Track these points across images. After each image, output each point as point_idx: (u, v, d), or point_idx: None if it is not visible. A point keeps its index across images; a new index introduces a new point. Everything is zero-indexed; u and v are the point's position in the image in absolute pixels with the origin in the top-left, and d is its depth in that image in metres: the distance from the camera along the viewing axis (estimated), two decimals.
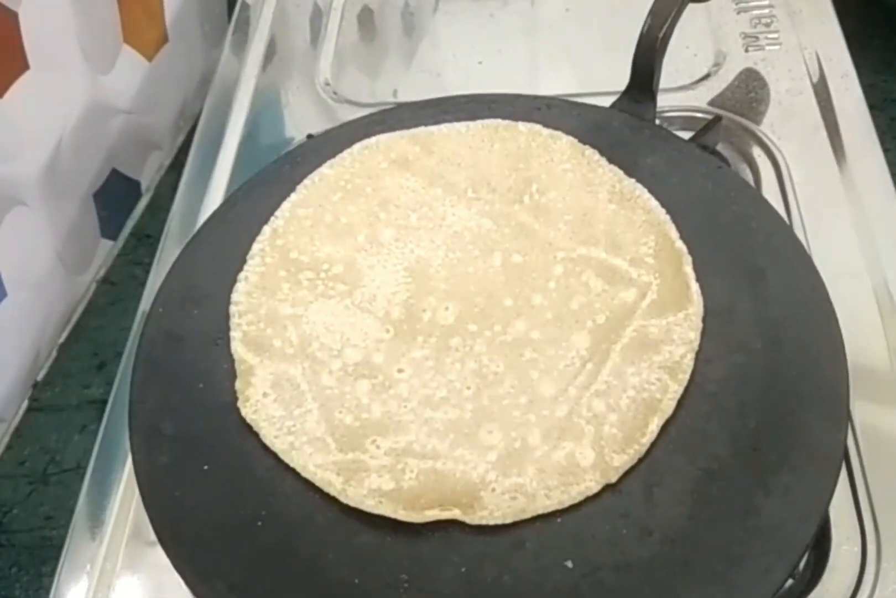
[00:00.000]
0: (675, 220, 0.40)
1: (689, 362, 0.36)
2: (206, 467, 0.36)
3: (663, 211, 0.41)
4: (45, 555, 0.47)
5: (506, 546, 0.33)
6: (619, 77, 0.45)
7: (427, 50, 0.61)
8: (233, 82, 0.60)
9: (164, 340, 0.40)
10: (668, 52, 0.44)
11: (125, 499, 0.42)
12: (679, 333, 0.37)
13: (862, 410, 0.39)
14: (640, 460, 0.34)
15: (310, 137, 0.52)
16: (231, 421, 0.37)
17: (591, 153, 0.43)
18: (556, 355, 0.37)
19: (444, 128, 0.45)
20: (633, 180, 0.42)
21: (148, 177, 0.64)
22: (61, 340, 0.57)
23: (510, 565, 0.33)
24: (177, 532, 0.34)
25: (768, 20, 0.57)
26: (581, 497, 0.34)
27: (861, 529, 0.37)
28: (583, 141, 0.44)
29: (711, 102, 0.53)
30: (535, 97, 0.47)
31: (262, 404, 0.37)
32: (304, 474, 0.35)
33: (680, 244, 0.39)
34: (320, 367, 0.38)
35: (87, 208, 0.58)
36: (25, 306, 0.53)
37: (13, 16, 0.49)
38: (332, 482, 0.35)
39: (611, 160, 0.43)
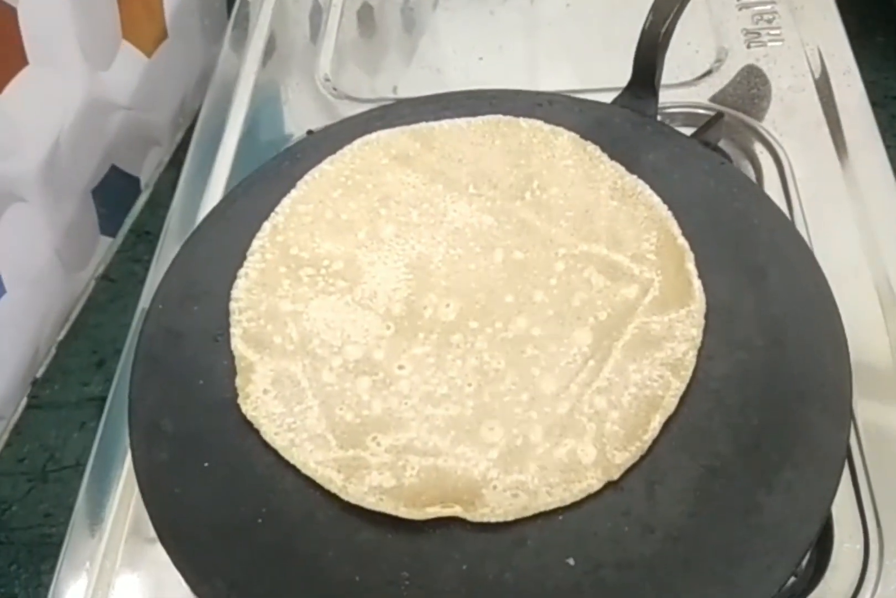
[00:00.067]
0: (677, 216, 0.40)
1: (691, 359, 0.36)
2: (206, 465, 0.36)
3: (665, 207, 0.40)
4: (44, 552, 0.47)
5: (507, 544, 0.33)
6: (620, 73, 0.45)
7: (427, 46, 0.61)
8: (232, 79, 0.60)
9: (163, 336, 0.39)
10: (670, 48, 0.44)
11: (125, 496, 0.42)
12: (681, 329, 0.37)
13: (864, 407, 0.39)
14: (642, 458, 0.34)
15: (310, 133, 0.52)
16: (231, 418, 0.36)
17: (593, 149, 0.43)
18: (558, 352, 0.37)
19: (445, 124, 0.45)
20: (634, 177, 0.42)
21: (147, 173, 0.64)
22: (60, 337, 0.57)
23: (511, 562, 0.33)
24: (177, 530, 0.34)
25: (770, 16, 0.57)
26: (583, 495, 0.34)
27: (863, 527, 0.37)
28: (584, 137, 0.43)
29: (713, 99, 0.53)
30: (537, 93, 0.46)
31: (263, 401, 0.37)
32: (305, 471, 0.35)
33: (682, 241, 0.39)
34: (321, 364, 0.38)
35: (86, 205, 0.58)
36: (24, 302, 0.53)
37: (12, 11, 0.49)
38: (332, 479, 0.34)
39: (612, 156, 0.43)
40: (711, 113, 0.50)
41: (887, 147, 0.49)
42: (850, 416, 0.35)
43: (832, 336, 0.36)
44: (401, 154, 0.44)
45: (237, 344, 0.38)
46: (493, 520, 0.33)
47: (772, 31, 0.56)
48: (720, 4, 0.58)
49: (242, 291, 0.40)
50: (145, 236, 0.61)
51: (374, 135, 0.45)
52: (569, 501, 0.33)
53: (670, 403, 0.35)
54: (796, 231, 0.40)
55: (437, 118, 0.45)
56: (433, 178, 0.43)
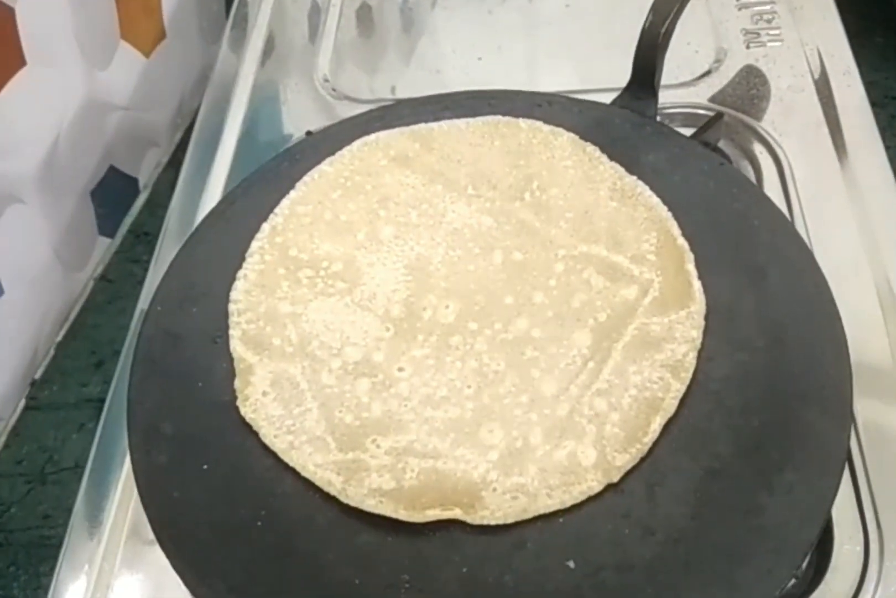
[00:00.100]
0: (676, 217, 0.40)
1: (691, 361, 0.36)
2: (205, 467, 0.35)
3: (665, 208, 0.40)
4: (43, 554, 0.47)
5: (507, 546, 0.33)
6: (619, 73, 0.45)
7: (426, 46, 0.61)
8: (231, 79, 0.60)
9: (162, 338, 0.39)
10: (669, 49, 0.44)
11: (124, 498, 0.42)
12: (681, 331, 0.37)
13: (865, 408, 0.39)
14: (643, 460, 0.34)
15: (309, 133, 0.52)
16: (230, 420, 0.36)
17: (593, 150, 0.43)
18: (558, 354, 0.37)
19: (445, 125, 0.45)
20: (634, 177, 0.42)
21: (146, 174, 0.64)
22: (59, 338, 0.57)
23: (511, 565, 0.33)
24: (176, 533, 0.34)
25: (770, 16, 0.57)
26: (583, 497, 0.34)
27: (864, 528, 0.37)
28: (584, 138, 0.43)
29: (712, 99, 0.53)
30: (536, 94, 0.46)
31: (262, 403, 0.37)
32: (304, 473, 0.35)
33: (682, 241, 0.39)
34: (320, 365, 0.38)
35: (84, 206, 0.58)
36: (23, 303, 0.53)
37: (10, 12, 0.48)
38: (332, 482, 0.34)
39: (612, 157, 0.43)
40: (711, 113, 0.50)
41: (887, 147, 0.49)
42: (851, 417, 0.35)
43: (832, 337, 0.36)
44: (400, 155, 0.44)
45: (236, 346, 0.38)
46: (492, 523, 0.33)
47: (771, 32, 0.56)
48: (720, 4, 0.58)
49: (241, 292, 0.40)
50: (144, 237, 0.61)
51: (373, 136, 0.45)
52: (569, 503, 0.33)
53: (670, 404, 0.35)
54: (796, 232, 0.40)
55: (436, 119, 0.45)
56: (432, 179, 0.43)
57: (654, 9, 0.43)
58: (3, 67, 0.49)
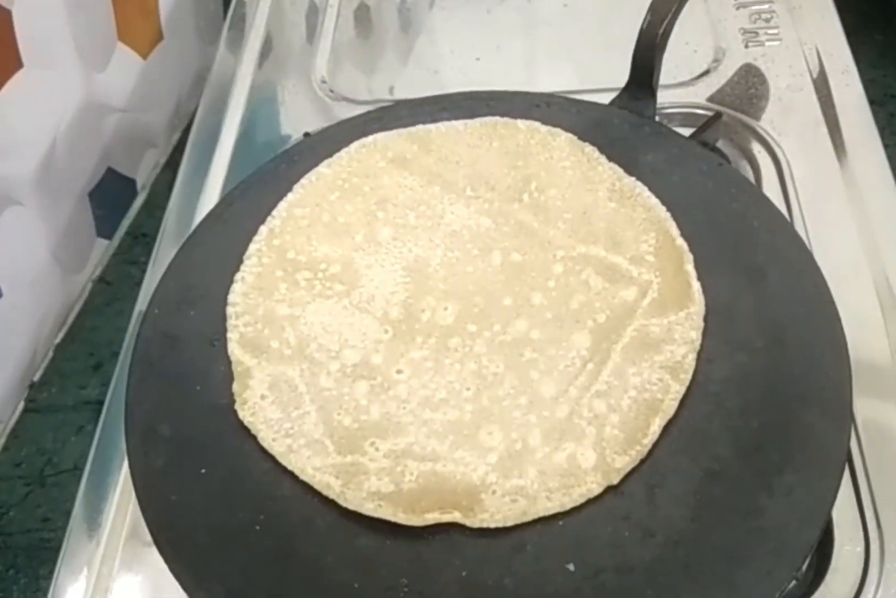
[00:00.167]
0: (675, 217, 0.40)
1: (690, 362, 0.36)
2: (203, 471, 0.35)
3: (663, 209, 0.40)
4: (42, 557, 0.47)
5: (507, 549, 0.33)
6: (617, 73, 0.45)
7: (424, 46, 0.61)
8: (229, 80, 0.60)
9: (160, 341, 0.39)
10: (668, 48, 0.44)
11: (122, 501, 0.42)
12: (680, 332, 0.37)
13: (864, 408, 0.39)
14: (642, 462, 0.34)
15: (307, 135, 0.52)
16: (228, 423, 0.36)
17: (591, 151, 0.43)
18: (557, 355, 0.37)
19: (443, 126, 0.45)
20: (632, 178, 0.41)
21: (143, 175, 0.64)
22: (57, 340, 0.57)
23: (511, 568, 0.32)
24: (174, 536, 0.34)
25: (768, 15, 0.57)
26: (582, 499, 0.33)
27: (864, 529, 0.37)
28: (582, 138, 0.43)
29: (711, 99, 0.53)
30: (534, 94, 0.46)
31: (260, 407, 0.36)
32: (303, 477, 0.35)
33: (681, 242, 0.39)
34: (318, 368, 0.38)
35: (82, 207, 0.58)
36: (21, 306, 0.53)
37: (6, 14, 0.48)
38: (330, 485, 0.34)
39: (610, 158, 0.42)
40: (709, 113, 0.50)
41: (886, 146, 0.49)
42: (851, 418, 0.35)
43: (832, 338, 0.36)
44: (398, 157, 0.44)
45: (234, 349, 0.38)
46: (492, 525, 0.33)
47: (770, 31, 0.56)
48: (718, 4, 0.58)
49: (239, 295, 0.40)
50: (142, 239, 0.61)
51: (370, 137, 0.44)
52: (568, 506, 0.33)
53: (670, 406, 0.35)
54: (795, 232, 0.40)
55: (434, 120, 0.45)
56: (430, 180, 0.43)
57: (652, 9, 0.43)
58: (0, 70, 0.49)
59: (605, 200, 0.41)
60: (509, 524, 0.33)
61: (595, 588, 0.32)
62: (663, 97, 0.47)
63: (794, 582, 0.36)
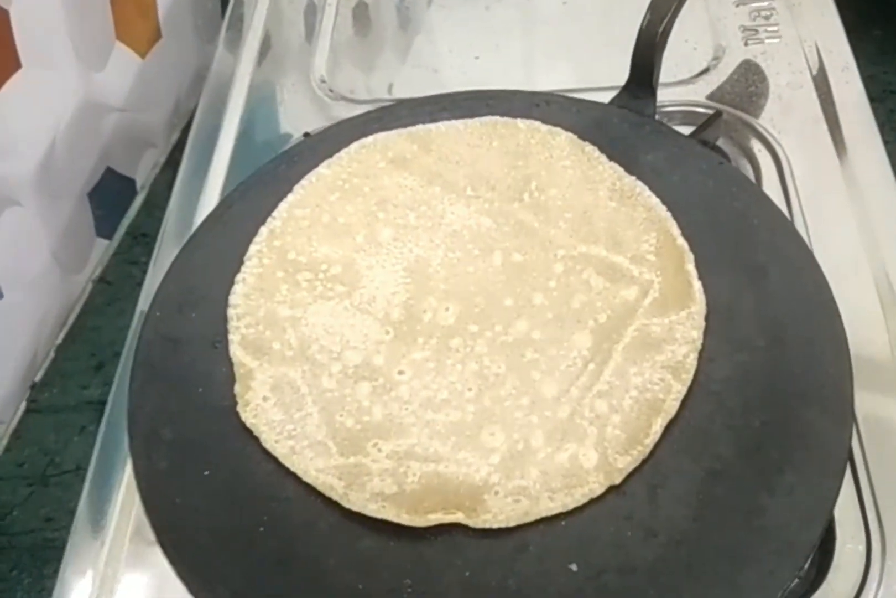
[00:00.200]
0: (676, 217, 0.40)
1: (692, 362, 0.36)
2: (206, 473, 0.35)
3: (664, 208, 0.40)
4: (46, 557, 0.47)
5: (509, 550, 0.33)
6: (617, 72, 0.45)
7: (423, 45, 0.61)
8: (228, 80, 0.59)
9: (161, 343, 0.39)
10: (667, 46, 0.44)
11: (126, 501, 0.42)
12: (682, 332, 0.37)
13: (865, 406, 0.39)
14: (644, 462, 0.34)
15: (306, 135, 0.52)
16: (231, 425, 0.36)
17: (591, 150, 0.43)
18: (558, 356, 0.37)
19: (443, 126, 0.45)
20: (633, 178, 0.42)
21: (143, 175, 0.64)
22: (58, 340, 0.57)
23: (514, 568, 0.33)
24: (178, 538, 0.34)
25: (767, 13, 0.56)
26: (585, 499, 0.33)
27: (865, 527, 0.37)
28: (582, 137, 0.43)
29: (711, 97, 0.53)
30: (534, 94, 0.46)
31: (262, 408, 0.37)
32: (306, 478, 0.35)
33: (681, 241, 0.39)
34: (320, 370, 0.38)
35: (82, 207, 0.57)
36: (22, 306, 0.53)
37: (4, 14, 0.48)
38: (333, 487, 0.34)
39: (611, 157, 0.42)
40: (709, 111, 0.50)
41: (886, 142, 0.49)
42: (852, 416, 0.35)
43: (832, 336, 0.36)
44: (398, 157, 0.44)
45: (236, 351, 0.38)
46: (494, 526, 0.33)
47: (769, 28, 0.55)
48: (717, 2, 0.57)
49: (240, 296, 0.40)
50: (142, 239, 0.61)
51: (370, 138, 0.44)
52: (571, 506, 0.33)
53: (671, 406, 0.35)
54: (795, 231, 0.40)
55: (434, 120, 0.45)
56: (430, 180, 0.43)
57: (651, 7, 0.43)
58: None
59: (605, 199, 0.41)
60: (512, 524, 0.33)
61: (598, 588, 0.32)
62: (663, 95, 0.46)
63: (796, 580, 0.36)
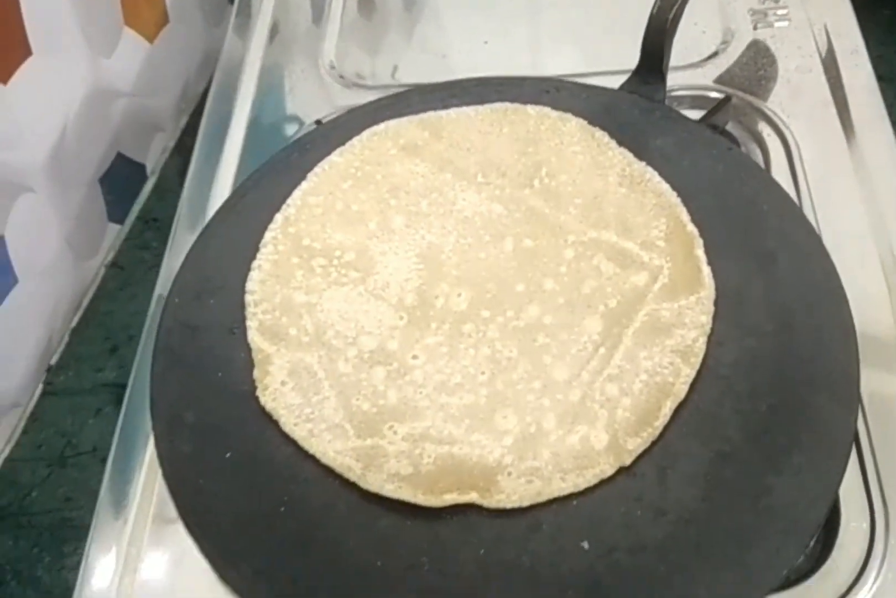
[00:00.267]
0: (685, 203, 0.40)
1: (701, 346, 0.37)
2: (227, 455, 0.36)
3: (674, 194, 0.41)
4: (65, 535, 0.48)
5: (523, 529, 0.34)
6: (626, 56, 0.45)
7: (432, 30, 0.61)
8: (238, 66, 0.59)
9: (181, 330, 0.40)
10: (677, 30, 0.44)
11: (148, 482, 0.43)
12: (691, 316, 0.37)
13: (871, 385, 0.39)
14: (654, 443, 0.35)
15: (318, 122, 0.52)
16: (250, 409, 0.37)
17: (601, 136, 0.43)
18: (569, 340, 0.38)
19: (453, 112, 0.45)
20: (643, 164, 0.42)
21: (153, 160, 0.64)
22: (73, 324, 0.57)
23: (527, 547, 0.33)
24: (202, 519, 0.35)
25: None
26: (596, 480, 0.34)
27: (870, 505, 0.37)
28: (592, 123, 0.43)
29: (720, 80, 0.52)
30: (544, 80, 0.46)
31: (281, 393, 0.37)
32: (324, 460, 0.36)
33: (691, 227, 0.40)
34: (336, 354, 0.38)
35: (93, 193, 0.58)
36: (37, 291, 0.53)
37: (14, 1, 0.48)
38: (351, 468, 0.35)
39: (621, 143, 0.43)
40: (719, 95, 0.50)
41: (894, 123, 0.49)
42: (858, 401, 0.35)
43: (840, 322, 0.37)
44: (409, 144, 0.44)
45: (253, 336, 0.39)
46: (508, 506, 0.34)
47: (778, 11, 0.55)
48: None
49: (257, 283, 0.40)
50: (153, 223, 0.61)
51: (382, 125, 0.45)
52: (582, 486, 0.34)
53: (681, 389, 0.36)
54: (804, 216, 0.40)
55: (444, 106, 0.45)
56: (442, 167, 0.43)
57: None
58: (9, 57, 0.49)
59: (615, 185, 0.42)
60: (525, 504, 0.34)
61: (609, 566, 0.33)
62: (672, 79, 0.47)
63: (801, 558, 0.37)
